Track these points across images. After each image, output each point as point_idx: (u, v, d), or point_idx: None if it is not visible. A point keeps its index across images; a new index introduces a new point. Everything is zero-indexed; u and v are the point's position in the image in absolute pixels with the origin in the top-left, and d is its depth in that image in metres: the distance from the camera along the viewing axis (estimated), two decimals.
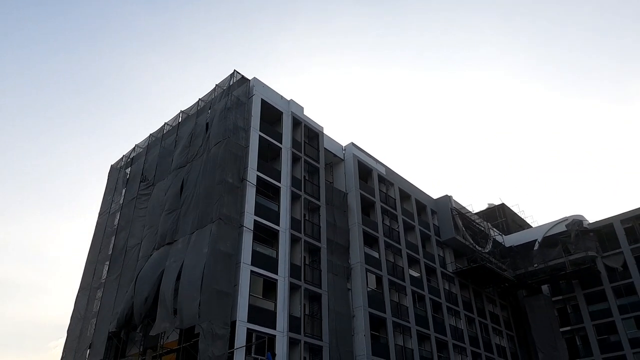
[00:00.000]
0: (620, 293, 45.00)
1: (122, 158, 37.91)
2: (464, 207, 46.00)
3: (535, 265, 45.88)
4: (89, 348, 28.42)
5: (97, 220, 36.03)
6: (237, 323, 23.37)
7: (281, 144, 31.52)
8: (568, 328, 46.94)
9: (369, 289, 32.06)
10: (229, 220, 25.43)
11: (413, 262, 38.42)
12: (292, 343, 25.88)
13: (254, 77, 31.61)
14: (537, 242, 47.62)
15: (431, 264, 40.17)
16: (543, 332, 45.68)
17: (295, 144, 32.55)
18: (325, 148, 35.32)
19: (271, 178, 29.56)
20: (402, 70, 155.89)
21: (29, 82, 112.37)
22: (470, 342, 39.57)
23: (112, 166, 38.37)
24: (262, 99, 31.36)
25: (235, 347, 22.58)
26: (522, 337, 48.11)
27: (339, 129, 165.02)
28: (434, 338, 35.70)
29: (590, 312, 46.26)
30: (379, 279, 33.75)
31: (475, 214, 48.78)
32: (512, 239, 50.19)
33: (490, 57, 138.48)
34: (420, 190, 43.79)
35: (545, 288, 48.92)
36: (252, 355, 23.98)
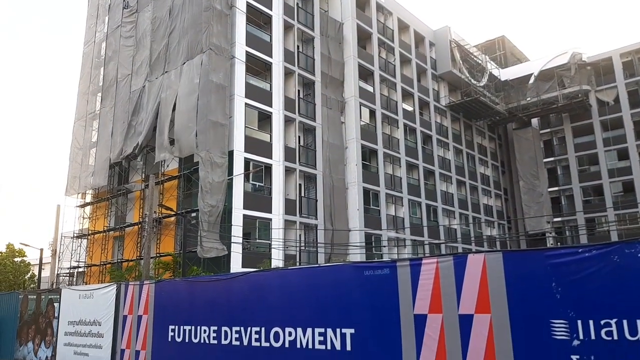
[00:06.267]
0: (607, 127, 46.14)
1: None
2: (464, 39, 44.45)
3: (528, 98, 46.16)
4: (92, 175, 29.77)
5: (83, 50, 34.75)
6: (235, 152, 24.19)
7: None
8: (551, 159, 49.14)
9: (362, 123, 32.58)
10: (220, 50, 24.64)
11: (407, 96, 38.43)
12: (288, 171, 27.18)
13: None
14: (533, 76, 47.19)
15: (425, 97, 40.25)
16: (527, 163, 47.98)
17: None
18: None
19: (261, 4, 27.83)
20: None
21: None
22: (456, 171, 41.70)
23: None
24: None
25: (234, 175, 23.73)
26: (506, 167, 50.70)
27: None
28: (422, 167, 37.49)
29: (575, 144, 47.99)
30: (372, 113, 34.08)
31: (474, 46, 47.36)
32: (508, 73, 49.57)
33: None
34: (420, 21, 41.79)
35: (534, 121, 49.97)
36: (251, 182, 25.35)
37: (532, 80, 46.90)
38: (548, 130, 50.07)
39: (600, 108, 46.90)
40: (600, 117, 46.56)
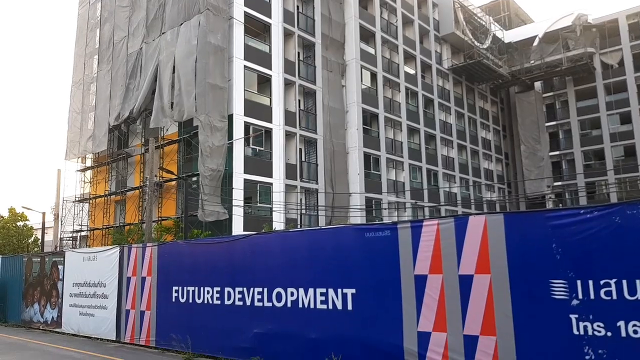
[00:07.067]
0: (610, 90, 45.63)
1: None
2: (467, 0, 43.42)
3: (532, 61, 45.45)
4: (92, 140, 29.63)
5: (78, 11, 34.00)
6: (234, 116, 23.99)
7: None
8: (553, 123, 48.81)
9: (363, 86, 32.17)
10: (218, 10, 24.08)
11: (409, 58, 37.81)
12: (288, 135, 27.03)
13: None
14: (537, 38, 46.32)
15: (427, 60, 39.62)
16: (529, 127, 47.70)
17: None
18: None
19: None
20: None
21: None
22: (457, 135, 41.49)
23: None
24: None
25: (234, 139, 23.61)
26: (508, 131, 50.43)
27: None
28: (423, 131, 37.27)
29: (577, 108, 47.59)
30: (373, 76, 33.61)
31: (478, 7, 46.28)
32: (512, 34, 48.63)
33: None
34: None
35: (537, 85, 49.40)
36: (251, 146, 25.25)
37: (536, 42, 46.07)
38: (551, 93, 49.57)
39: (604, 71, 46.27)
40: (604, 81, 45.99)
